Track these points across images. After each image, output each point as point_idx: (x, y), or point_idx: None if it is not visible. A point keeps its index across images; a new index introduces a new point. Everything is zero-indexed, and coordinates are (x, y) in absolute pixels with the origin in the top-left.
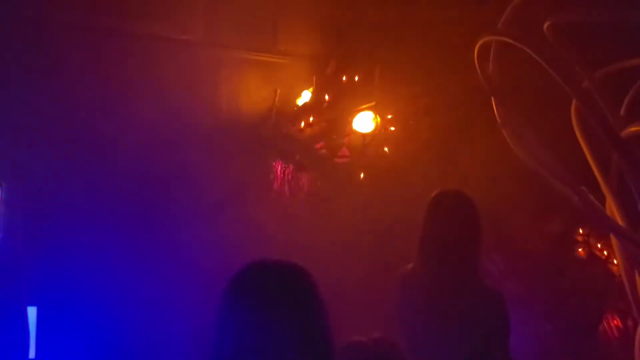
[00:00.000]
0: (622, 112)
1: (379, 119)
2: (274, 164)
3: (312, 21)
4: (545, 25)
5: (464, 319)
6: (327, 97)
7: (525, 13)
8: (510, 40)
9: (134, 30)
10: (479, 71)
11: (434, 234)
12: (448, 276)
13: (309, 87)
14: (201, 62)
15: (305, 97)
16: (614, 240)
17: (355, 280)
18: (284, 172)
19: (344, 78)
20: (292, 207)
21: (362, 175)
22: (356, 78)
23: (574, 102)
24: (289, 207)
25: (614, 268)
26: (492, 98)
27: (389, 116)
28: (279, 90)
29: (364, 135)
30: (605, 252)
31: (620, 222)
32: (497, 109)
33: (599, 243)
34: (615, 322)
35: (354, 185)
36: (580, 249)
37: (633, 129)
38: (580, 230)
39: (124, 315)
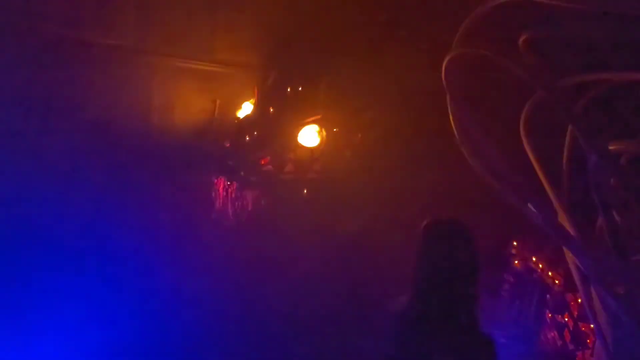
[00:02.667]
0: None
1: (324, 133)
2: (215, 180)
3: (253, 29)
4: (521, 39)
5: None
6: (271, 109)
7: (488, 26)
8: (484, 52)
9: (63, 34)
10: (445, 84)
11: (428, 268)
12: (440, 315)
13: (250, 99)
14: (132, 69)
15: (246, 109)
16: (568, 255)
17: (302, 299)
18: (226, 190)
19: (288, 89)
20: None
21: (305, 192)
22: (300, 89)
23: (522, 120)
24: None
25: (549, 280)
26: (450, 112)
27: (335, 129)
28: (218, 102)
29: (311, 150)
30: (540, 265)
31: (573, 235)
32: (454, 123)
33: (534, 256)
34: (552, 334)
35: (299, 202)
36: (515, 262)
37: (612, 147)
38: (515, 243)
39: None
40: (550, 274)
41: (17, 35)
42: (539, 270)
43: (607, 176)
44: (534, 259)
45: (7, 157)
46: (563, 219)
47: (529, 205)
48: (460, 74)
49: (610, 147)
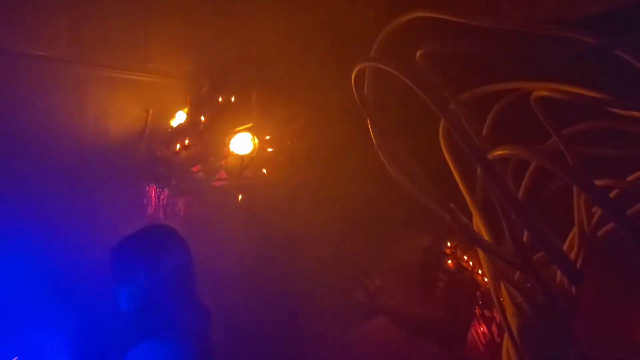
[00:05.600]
0: (484, 132)
1: (256, 140)
2: (147, 188)
3: (186, 40)
4: (418, 53)
5: None
6: (202, 118)
7: (396, 41)
8: (384, 67)
9: None
10: (355, 95)
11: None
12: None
13: (184, 108)
14: (64, 80)
15: (179, 118)
16: (480, 253)
17: (232, 306)
18: (158, 196)
19: (220, 99)
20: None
21: (240, 198)
22: (232, 99)
23: (442, 123)
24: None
25: (479, 278)
26: (368, 120)
27: (267, 137)
28: (151, 111)
29: (242, 157)
30: (471, 263)
31: (486, 237)
32: (372, 131)
33: (465, 255)
34: (482, 328)
35: (231, 209)
36: (449, 261)
37: (499, 152)
38: (448, 244)
39: None
40: (480, 272)
41: None
42: (470, 269)
43: (499, 182)
44: (465, 257)
45: None
46: (477, 220)
47: (440, 206)
48: (374, 82)
49: (499, 152)
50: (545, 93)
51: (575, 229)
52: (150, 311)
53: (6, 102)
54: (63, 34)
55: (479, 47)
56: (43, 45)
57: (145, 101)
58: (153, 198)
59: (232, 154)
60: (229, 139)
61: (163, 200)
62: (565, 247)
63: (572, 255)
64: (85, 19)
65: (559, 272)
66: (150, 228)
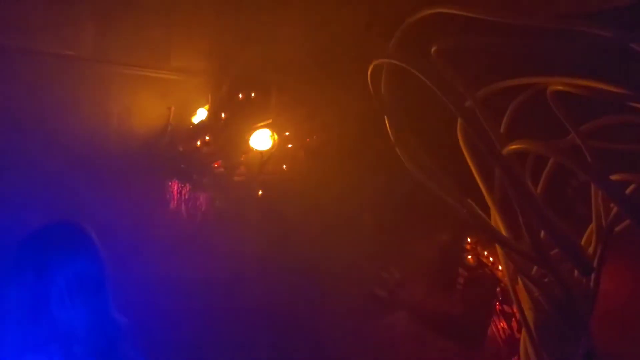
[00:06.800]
0: (502, 129)
1: (276, 137)
2: (170, 183)
3: (208, 38)
4: (433, 49)
5: None
6: (223, 115)
7: (412, 37)
8: (400, 63)
9: (20, 45)
10: (372, 91)
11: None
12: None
13: (205, 105)
14: (90, 79)
15: (201, 114)
16: (498, 249)
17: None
18: (180, 192)
19: (240, 96)
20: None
21: (260, 193)
22: (252, 96)
23: (459, 119)
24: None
25: (499, 274)
26: (385, 117)
27: (287, 133)
28: (173, 108)
29: (261, 153)
30: (491, 259)
31: (503, 232)
32: (390, 127)
33: (485, 251)
34: (502, 324)
35: (251, 204)
36: (469, 257)
37: (513, 147)
38: (469, 239)
39: None
40: (500, 267)
41: None
42: (490, 264)
43: (515, 178)
44: (485, 253)
45: None
46: (495, 216)
47: (457, 202)
48: (390, 79)
49: (513, 147)
50: (560, 87)
51: (592, 225)
52: (41, 321)
53: (33, 100)
54: (89, 34)
55: (495, 43)
56: (70, 45)
57: (168, 99)
58: (175, 193)
59: (252, 149)
60: (249, 135)
61: (185, 195)
62: (582, 242)
63: (590, 251)
64: (110, 20)
65: None
66: (58, 226)
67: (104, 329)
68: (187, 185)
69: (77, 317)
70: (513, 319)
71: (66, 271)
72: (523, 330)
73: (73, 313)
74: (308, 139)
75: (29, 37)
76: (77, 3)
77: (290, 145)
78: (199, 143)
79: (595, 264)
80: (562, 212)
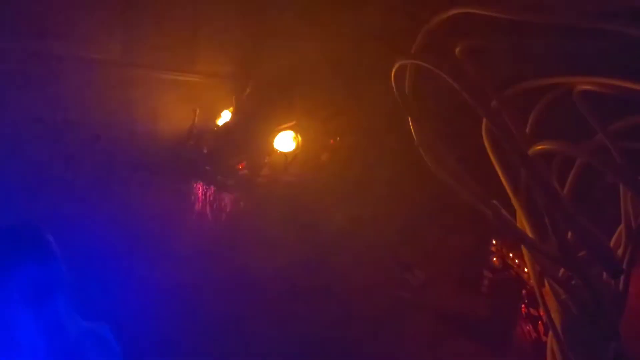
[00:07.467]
0: (527, 130)
1: (299, 138)
2: (194, 185)
3: (232, 42)
4: (457, 49)
5: None
6: (247, 117)
7: (436, 38)
8: (424, 64)
9: (49, 50)
10: (395, 92)
11: None
12: None
13: (229, 107)
14: (117, 82)
15: (225, 117)
16: (524, 250)
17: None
18: (205, 193)
19: (264, 98)
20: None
21: (283, 194)
22: (276, 97)
23: (484, 120)
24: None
25: (525, 276)
26: (409, 118)
27: (310, 135)
28: (198, 110)
29: (285, 155)
30: (516, 261)
31: (529, 234)
32: (414, 129)
33: (511, 253)
34: (528, 327)
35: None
36: (494, 259)
37: (539, 147)
38: (494, 241)
39: None
40: (525, 269)
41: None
42: (515, 267)
43: (541, 179)
44: (510, 255)
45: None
46: (521, 217)
47: (482, 203)
48: (414, 80)
49: (539, 148)
50: (588, 87)
51: (622, 226)
52: None
53: (64, 105)
54: (117, 40)
55: (520, 42)
56: (100, 50)
57: (193, 101)
58: (200, 195)
59: (276, 151)
60: (273, 137)
61: (210, 196)
62: (611, 244)
63: (619, 252)
64: (138, 24)
65: None
66: (13, 228)
67: (58, 335)
68: (212, 186)
69: (29, 322)
70: (539, 322)
71: (16, 275)
72: (550, 333)
73: (25, 318)
74: (331, 141)
75: (60, 42)
76: (106, 8)
77: (313, 147)
78: (223, 145)
79: (624, 265)
80: (589, 214)
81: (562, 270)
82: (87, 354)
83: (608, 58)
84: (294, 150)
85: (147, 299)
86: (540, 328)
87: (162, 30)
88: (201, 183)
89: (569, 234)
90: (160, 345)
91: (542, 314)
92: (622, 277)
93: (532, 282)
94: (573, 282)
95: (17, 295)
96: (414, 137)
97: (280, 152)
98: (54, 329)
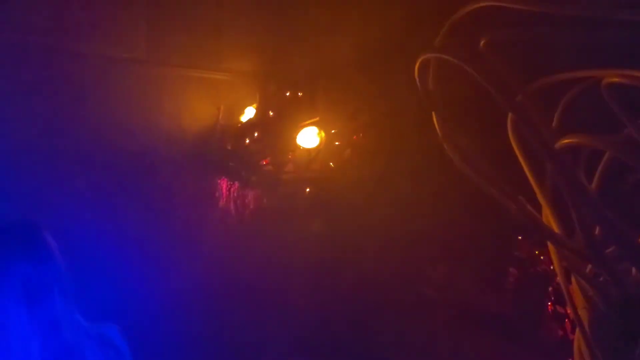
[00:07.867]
0: (554, 124)
1: (323, 134)
2: (219, 181)
3: (256, 39)
4: (482, 43)
5: None
6: (271, 113)
7: (460, 32)
8: (448, 57)
9: (75, 49)
10: (419, 87)
11: None
12: None
13: (253, 104)
14: (143, 80)
15: (249, 113)
16: (550, 246)
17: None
18: (229, 189)
19: (288, 94)
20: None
21: (307, 190)
22: (300, 94)
23: (510, 115)
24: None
25: (551, 272)
26: (433, 113)
27: (333, 131)
28: (222, 107)
29: (309, 151)
30: (542, 257)
31: (556, 229)
32: (437, 124)
33: (537, 249)
34: (554, 325)
35: (299, 201)
36: (519, 255)
37: (566, 141)
38: (519, 237)
39: None
40: (552, 266)
41: (28, 52)
42: (541, 263)
43: (568, 173)
44: (536, 252)
45: (21, 163)
46: (547, 213)
47: (508, 198)
48: (438, 74)
49: (566, 141)
50: (616, 79)
51: None
52: None
53: (89, 102)
54: (142, 38)
55: (546, 35)
56: (125, 48)
57: (217, 98)
58: (224, 191)
59: (299, 147)
60: (297, 133)
61: (234, 193)
62: None
63: None
64: (162, 23)
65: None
66: (8, 226)
67: (53, 336)
68: (236, 183)
69: (22, 322)
70: (566, 319)
71: (9, 273)
72: (577, 331)
73: (18, 317)
74: (355, 137)
75: (84, 40)
76: (130, 6)
77: (337, 143)
78: (247, 141)
79: None
80: (618, 209)
81: (589, 266)
82: (87, 355)
83: (636, 50)
84: (318, 147)
85: (167, 300)
86: (567, 326)
87: (187, 27)
88: (225, 179)
89: (597, 229)
90: (173, 347)
91: (568, 311)
92: None
93: (559, 278)
94: (601, 279)
95: (9, 294)
96: (438, 131)
97: (303, 148)
98: (49, 329)
